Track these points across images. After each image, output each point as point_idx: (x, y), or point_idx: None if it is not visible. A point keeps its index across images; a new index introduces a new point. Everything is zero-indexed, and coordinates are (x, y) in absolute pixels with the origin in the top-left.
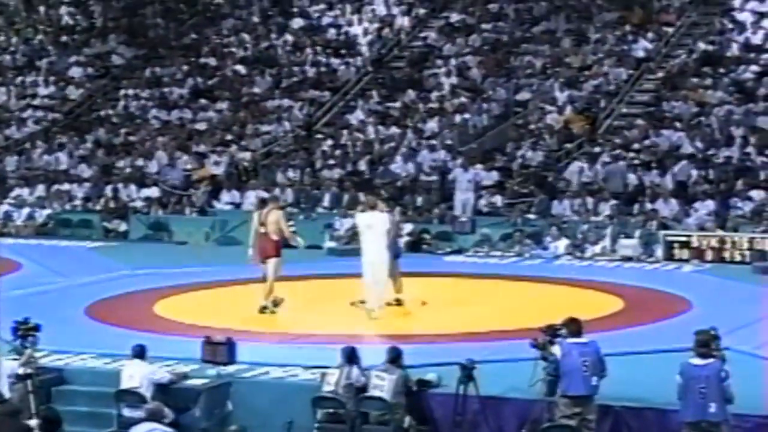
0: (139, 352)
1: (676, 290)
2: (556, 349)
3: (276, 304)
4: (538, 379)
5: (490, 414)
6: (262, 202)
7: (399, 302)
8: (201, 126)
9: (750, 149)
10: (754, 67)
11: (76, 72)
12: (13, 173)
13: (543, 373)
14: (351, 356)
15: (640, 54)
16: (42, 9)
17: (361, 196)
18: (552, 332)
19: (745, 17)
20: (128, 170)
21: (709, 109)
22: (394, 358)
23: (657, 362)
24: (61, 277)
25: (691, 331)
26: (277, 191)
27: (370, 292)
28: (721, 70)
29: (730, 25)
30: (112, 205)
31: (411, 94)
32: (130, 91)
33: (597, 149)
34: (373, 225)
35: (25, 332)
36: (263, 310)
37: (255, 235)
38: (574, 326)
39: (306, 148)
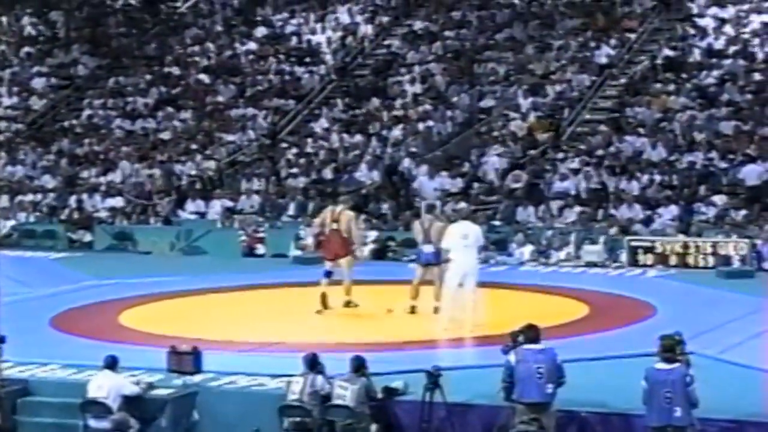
0: (111, 363)
1: (641, 295)
2: (511, 356)
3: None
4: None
5: (456, 421)
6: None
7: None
8: (165, 135)
9: (713, 154)
10: (716, 73)
11: (39, 82)
12: None
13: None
14: (313, 363)
15: (603, 60)
16: (4, 19)
17: (460, 206)
18: (513, 339)
19: (707, 23)
20: (92, 180)
21: (672, 115)
22: (357, 367)
23: (622, 367)
24: (26, 288)
25: (655, 336)
26: (243, 199)
27: (459, 305)
28: (684, 76)
29: (692, 31)
30: (76, 215)
31: (375, 101)
32: (94, 102)
33: (561, 156)
34: (469, 235)
35: None
36: (348, 304)
37: (321, 230)
38: (531, 333)
39: (270, 157)
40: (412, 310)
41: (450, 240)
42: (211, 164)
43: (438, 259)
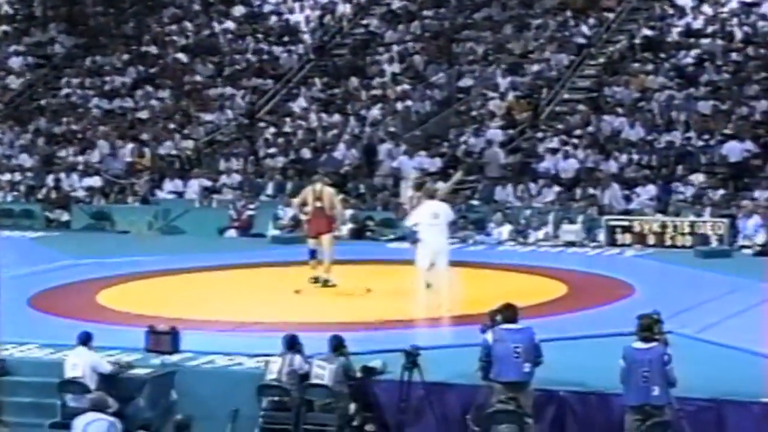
0: (85, 339)
1: (619, 275)
2: (488, 335)
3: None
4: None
5: (435, 400)
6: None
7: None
8: (143, 115)
9: (691, 134)
10: (694, 53)
11: (16, 62)
12: None
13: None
14: (292, 343)
15: (581, 40)
16: None
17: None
18: (491, 318)
19: (686, 2)
20: (70, 160)
21: (650, 95)
22: (336, 346)
23: (600, 346)
24: (3, 267)
25: (633, 315)
26: (223, 178)
27: (438, 288)
28: (662, 56)
29: (671, 11)
30: (53, 195)
31: (353, 81)
32: (71, 81)
33: (539, 135)
34: (439, 214)
35: None
36: (326, 283)
37: (310, 210)
38: (509, 312)
39: (249, 137)
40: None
41: (420, 219)
42: (189, 144)
43: None
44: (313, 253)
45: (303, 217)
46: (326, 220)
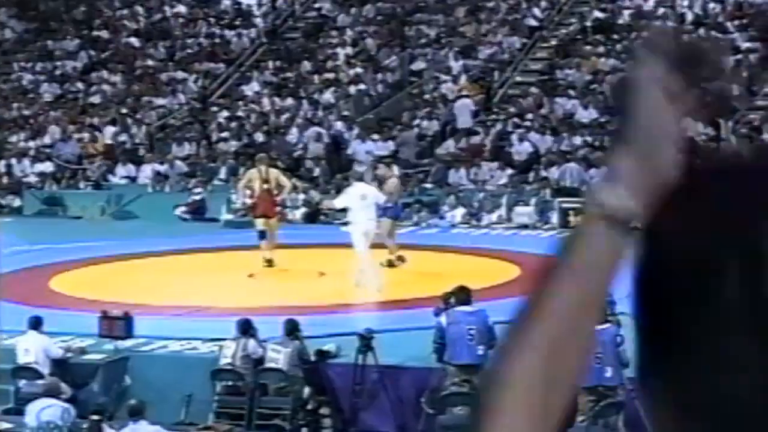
0: (35, 324)
1: None
2: (442, 318)
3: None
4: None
5: (389, 383)
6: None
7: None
8: (95, 99)
9: None
10: (645, 34)
11: None
12: None
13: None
14: (245, 328)
15: (533, 23)
16: None
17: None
18: (444, 301)
19: None
20: (21, 145)
21: (602, 77)
22: (290, 330)
23: None
24: None
25: None
26: (177, 164)
27: (368, 265)
28: (614, 38)
29: None
30: (5, 180)
31: (306, 65)
32: (22, 65)
33: (492, 117)
34: (367, 196)
35: None
36: (270, 263)
37: (256, 192)
38: (463, 295)
39: (201, 121)
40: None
41: (348, 201)
42: (141, 128)
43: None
44: (262, 235)
45: (247, 201)
46: (273, 201)
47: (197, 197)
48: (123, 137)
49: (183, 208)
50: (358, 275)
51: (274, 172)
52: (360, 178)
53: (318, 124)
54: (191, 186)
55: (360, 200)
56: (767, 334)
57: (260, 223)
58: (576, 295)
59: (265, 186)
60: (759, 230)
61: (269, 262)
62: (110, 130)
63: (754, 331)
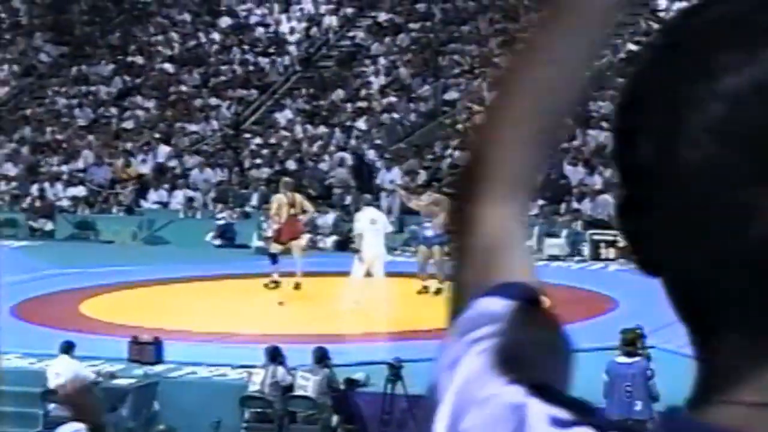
0: (67, 348)
1: (603, 289)
2: None
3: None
4: None
5: (417, 413)
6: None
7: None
8: (128, 125)
9: None
10: None
11: (1, 70)
12: None
13: None
14: (274, 355)
15: None
16: None
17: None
18: None
19: (670, 17)
20: (54, 169)
21: None
22: (320, 358)
23: (583, 361)
24: None
25: (617, 329)
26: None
27: (367, 287)
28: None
29: (655, 25)
30: (38, 204)
31: (339, 93)
32: (57, 90)
33: None
34: (377, 220)
35: None
36: (297, 286)
37: (284, 217)
38: None
39: (234, 148)
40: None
41: (359, 226)
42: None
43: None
44: (275, 259)
45: (275, 226)
46: (299, 226)
47: (221, 222)
48: (174, 162)
49: (212, 234)
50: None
51: (299, 197)
52: (369, 203)
53: (348, 151)
54: (217, 211)
55: (370, 224)
56: None
57: (279, 248)
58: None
59: (292, 211)
60: None
61: (277, 284)
62: (164, 150)
63: None
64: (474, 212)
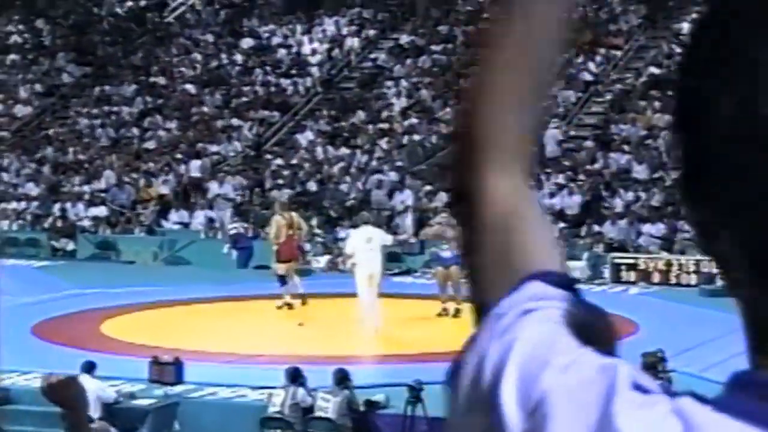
0: (89, 368)
1: (623, 312)
2: None
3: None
4: None
5: None
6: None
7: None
8: (150, 145)
9: None
10: None
11: (24, 90)
12: None
13: None
14: (295, 376)
15: (588, 77)
16: None
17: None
18: None
19: None
20: (76, 189)
21: (657, 132)
22: (341, 379)
23: None
24: (8, 296)
25: (637, 353)
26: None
27: (371, 307)
28: (669, 94)
29: (678, 49)
30: (59, 224)
31: (361, 114)
32: (79, 110)
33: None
34: (372, 239)
35: None
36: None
37: (282, 238)
38: None
39: (255, 168)
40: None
41: (354, 244)
42: (195, 174)
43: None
44: (283, 280)
45: (274, 247)
46: (297, 246)
47: (233, 232)
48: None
49: (227, 246)
50: (365, 321)
51: (296, 216)
52: (366, 221)
53: (368, 172)
54: (233, 222)
55: (365, 243)
56: None
57: (283, 269)
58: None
59: (290, 231)
60: None
61: (290, 306)
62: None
63: None
64: (480, 185)
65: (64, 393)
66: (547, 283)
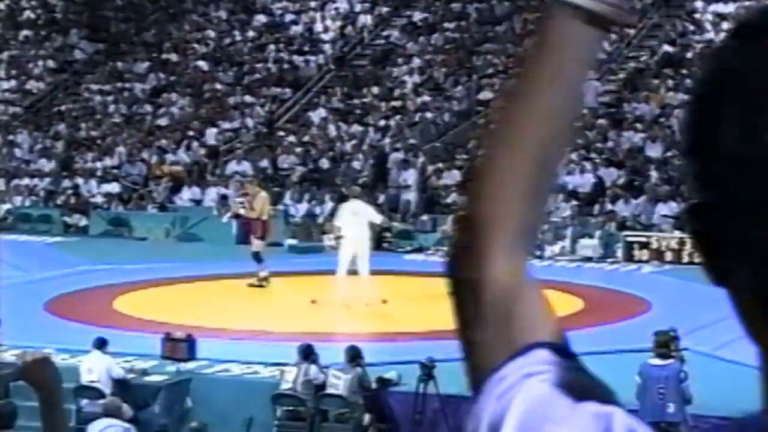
0: (100, 344)
1: (636, 291)
2: None
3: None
4: None
5: (449, 412)
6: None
7: None
8: (162, 121)
9: None
10: None
11: (36, 66)
12: None
13: None
14: (307, 353)
15: (602, 55)
16: (2, 3)
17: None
18: None
19: (707, 19)
20: (89, 165)
21: (670, 111)
22: (353, 356)
23: (616, 362)
24: (21, 271)
25: (650, 331)
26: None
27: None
28: (683, 72)
29: (691, 27)
30: (72, 200)
31: (373, 91)
32: (92, 86)
33: None
34: (359, 212)
35: None
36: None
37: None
38: None
39: (268, 145)
40: None
41: (342, 217)
42: (212, 143)
43: None
44: (259, 257)
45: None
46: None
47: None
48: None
49: (228, 215)
50: (346, 297)
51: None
52: (357, 196)
53: (382, 150)
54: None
55: (351, 216)
56: None
57: (261, 246)
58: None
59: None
60: None
61: (262, 285)
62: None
63: None
64: (482, 271)
65: (39, 373)
66: (549, 350)
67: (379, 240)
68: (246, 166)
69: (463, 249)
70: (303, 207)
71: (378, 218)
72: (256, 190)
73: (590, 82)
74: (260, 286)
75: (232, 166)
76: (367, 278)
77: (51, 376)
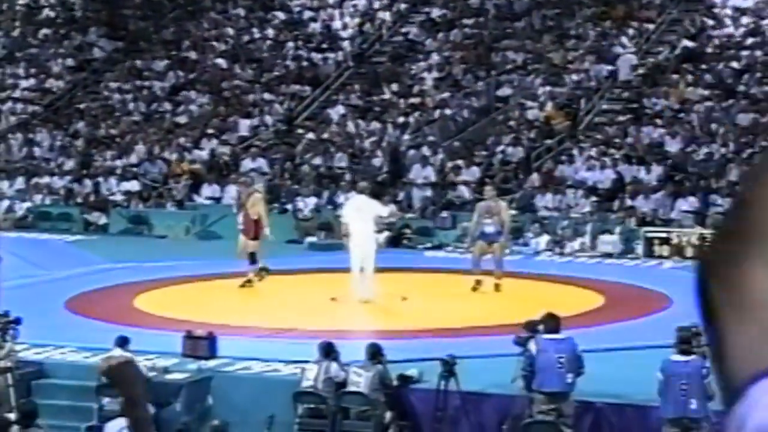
0: (122, 342)
1: (656, 286)
2: (531, 345)
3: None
4: (518, 375)
5: (471, 409)
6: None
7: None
8: (182, 119)
9: (730, 146)
10: (734, 64)
11: (55, 64)
12: None
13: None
14: (328, 351)
15: (621, 50)
16: (22, 1)
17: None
18: (531, 328)
19: (726, 13)
20: (108, 164)
21: (689, 106)
22: (373, 354)
23: (638, 358)
24: (41, 270)
25: (671, 327)
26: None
27: (361, 279)
28: (702, 67)
29: (711, 22)
30: (92, 198)
31: (392, 88)
32: (111, 84)
33: (578, 145)
34: (362, 208)
35: (5, 325)
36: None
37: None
38: (552, 323)
39: (287, 142)
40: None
41: (346, 213)
42: (226, 149)
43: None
44: (254, 258)
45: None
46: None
47: None
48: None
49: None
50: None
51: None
52: (362, 191)
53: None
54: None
55: (355, 212)
56: None
57: (255, 246)
58: None
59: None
60: None
61: (251, 283)
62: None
63: None
64: (744, 271)
65: (123, 374)
66: None
67: (399, 237)
68: (262, 163)
69: (725, 246)
70: (312, 201)
71: (384, 210)
72: (250, 190)
73: (626, 56)
74: (249, 284)
75: (247, 164)
76: (371, 275)
77: (134, 376)
